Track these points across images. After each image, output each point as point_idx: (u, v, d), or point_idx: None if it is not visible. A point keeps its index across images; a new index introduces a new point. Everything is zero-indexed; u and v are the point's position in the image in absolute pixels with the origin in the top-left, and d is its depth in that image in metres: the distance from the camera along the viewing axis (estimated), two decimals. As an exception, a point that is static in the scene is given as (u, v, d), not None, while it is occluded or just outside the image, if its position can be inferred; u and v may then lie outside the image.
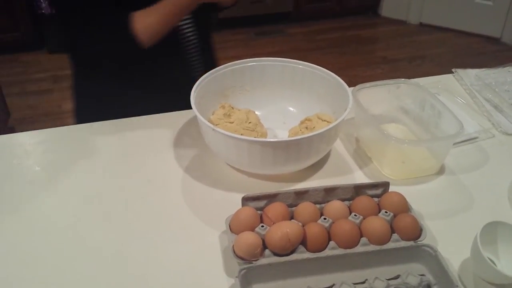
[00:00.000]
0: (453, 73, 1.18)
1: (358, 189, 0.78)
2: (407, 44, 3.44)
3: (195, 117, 0.82)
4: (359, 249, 0.69)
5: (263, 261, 0.67)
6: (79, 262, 0.71)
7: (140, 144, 0.95)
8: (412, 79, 0.96)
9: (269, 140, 0.86)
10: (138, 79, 1.07)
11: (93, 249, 0.74)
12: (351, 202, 0.77)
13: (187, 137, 0.96)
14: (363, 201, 0.75)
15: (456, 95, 1.09)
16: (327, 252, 0.69)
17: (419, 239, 0.70)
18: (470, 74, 1.16)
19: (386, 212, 0.73)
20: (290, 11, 3.60)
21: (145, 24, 0.93)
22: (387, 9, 3.80)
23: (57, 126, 1.00)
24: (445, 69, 1.22)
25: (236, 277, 0.65)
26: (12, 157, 0.92)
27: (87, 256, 0.72)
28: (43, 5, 2.94)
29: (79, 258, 0.72)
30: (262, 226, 0.71)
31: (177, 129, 0.98)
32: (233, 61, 0.97)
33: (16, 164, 0.90)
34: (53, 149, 0.94)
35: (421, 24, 3.70)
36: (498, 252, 0.71)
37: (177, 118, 1.00)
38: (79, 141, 0.96)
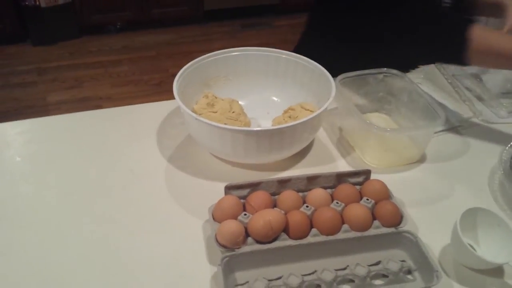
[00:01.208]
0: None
1: (340, 177, 0.79)
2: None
3: (179, 106, 0.82)
4: (340, 235, 0.69)
5: (245, 249, 0.68)
6: (60, 253, 0.71)
7: (123, 134, 0.95)
8: (394, 69, 0.96)
9: (252, 129, 0.86)
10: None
11: (75, 239, 0.73)
12: (333, 190, 0.77)
13: (171, 127, 0.96)
14: (345, 189, 0.76)
15: (438, 85, 1.10)
16: (309, 239, 0.69)
17: (399, 226, 0.71)
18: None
19: (367, 199, 0.74)
20: (277, 3, 3.59)
21: (483, 40, 0.85)
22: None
23: (40, 118, 0.99)
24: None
25: (219, 265, 0.65)
26: (-7, 148, 0.91)
27: (69, 247, 0.72)
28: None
29: (60, 249, 0.72)
30: (245, 215, 0.71)
31: (161, 119, 0.98)
32: (220, 53, 0.97)
33: (-3, 155, 0.89)
34: (34, 139, 0.94)
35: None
36: (477, 238, 0.73)
37: (160, 107, 1.00)
38: (61, 132, 0.96)
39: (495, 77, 1.11)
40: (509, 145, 0.86)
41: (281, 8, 3.62)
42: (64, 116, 1.00)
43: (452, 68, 1.14)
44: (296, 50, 0.97)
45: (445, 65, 1.15)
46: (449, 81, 1.11)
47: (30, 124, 0.98)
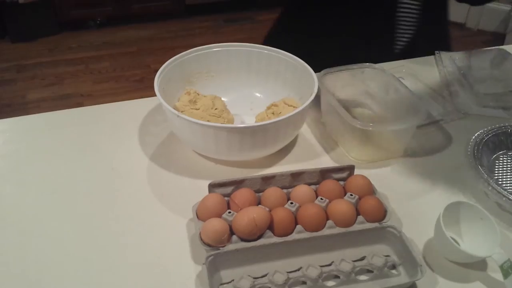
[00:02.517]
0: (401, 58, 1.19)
1: (324, 173, 0.79)
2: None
3: (160, 104, 0.81)
4: (325, 232, 0.69)
5: (230, 247, 0.67)
6: (42, 253, 0.70)
7: (104, 132, 0.93)
8: (376, 64, 0.96)
9: (235, 126, 0.85)
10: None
11: (56, 240, 0.72)
12: (317, 186, 0.77)
13: (152, 125, 0.95)
14: (329, 185, 0.76)
15: (420, 79, 1.10)
16: (294, 236, 0.69)
17: (383, 221, 0.71)
18: (453, 57, 1.17)
19: (351, 195, 0.74)
20: (258, -3, 3.58)
21: None
22: (355, -5, 3.82)
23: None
24: (410, 54, 1.23)
25: (204, 264, 0.64)
26: (-29, 149, 0.89)
27: (50, 247, 0.71)
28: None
29: (42, 249, 0.70)
30: (229, 212, 0.71)
31: (142, 117, 0.96)
32: (201, 49, 0.96)
33: (-25, 155, 0.87)
34: (13, 139, 0.92)
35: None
36: (461, 232, 0.73)
37: (142, 105, 0.99)
38: (41, 131, 0.94)
39: (485, 76, 1.11)
40: (473, 137, 0.87)
41: (263, 2, 3.61)
42: (44, 115, 0.98)
43: (447, 61, 1.14)
44: (264, 43, 0.97)
45: (443, 57, 1.15)
46: (441, 73, 1.11)
47: (8, 124, 0.96)
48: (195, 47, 0.95)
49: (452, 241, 0.68)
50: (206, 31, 3.34)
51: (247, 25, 3.48)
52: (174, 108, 0.80)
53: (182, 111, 0.87)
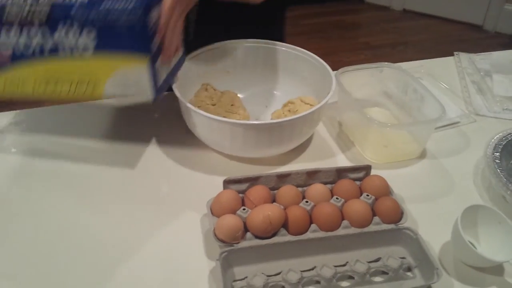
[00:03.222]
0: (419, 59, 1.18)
1: (340, 173, 0.78)
2: (390, 30, 3.45)
3: (177, 99, 0.80)
4: (340, 231, 0.69)
5: (244, 244, 0.67)
6: (56, 245, 0.70)
7: (120, 128, 0.93)
8: (395, 63, 0.95)
9: (252, 122, 0.85)
10: None
11: (68, 233, 0.72)
12: (333, 185, 0.77)
13: (168, 120, 0.95)
14: (345, 184, 0.75)
15: (439, 80, 1.09)
16: (308, 235, 0.68)
17: (400, 222, 0.70)
18: (473, 58, 1.15)
19: (367, 195, 0.73)
20: (274, -5, 3.57)
21: None
22: (371, -5, 3.80)
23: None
24: (428, 56, 1.22)
25: (217, 260, 0.64)
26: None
27: (64, 239, 0.71)
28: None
29: (56, 242, 0.71)
30: (244, 209, 0.70)
31: (159, 112, 0.96)
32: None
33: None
34: (31, 129, 0.92)
35: (404, 11, 3.70)
36: (478, 236, 0.72)
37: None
38: (58, 124, 0.94)
39: (505, 79, 1.09)
40: (492, 140, 0.85)
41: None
42: (62, 107, 0.98)
43: (466, 62, 1.13)
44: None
45: (462, 59, 1.12)
46: (460, 75, 1.09)
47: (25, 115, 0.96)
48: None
49: (470, 245, 0.67)
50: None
51: (262, 23, 3.48)
52: (190, 103, 0.80)
53: (198, 107, 0.86)
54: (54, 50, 0.67)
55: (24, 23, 0.65)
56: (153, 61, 0.68)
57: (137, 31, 0.64)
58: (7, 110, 0.96)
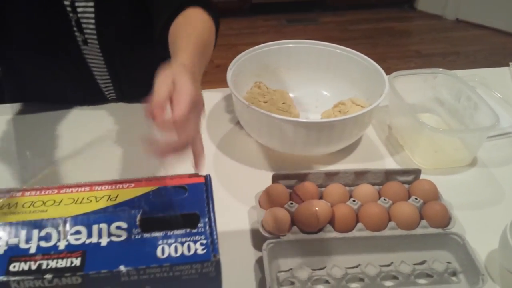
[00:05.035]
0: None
1: (389, 175, 0.79)
2: (442, 40, 3.38)
3: (230, 94, 0.83)
4: (387, 232, 0.69)
5: (290, 237, 0.68)
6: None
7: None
8: (449, 70, 0.95)
9: (302, 120, 0.86)
10: None
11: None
12: (381, 187, 0.77)
13: (218, 115, 0.97)
14: (393, 187, 0.76)
15: (492, 89, 1.08)
16: (354, 233, 0.69)
17: (447, 227, 0.70)
18: None
19: (416, 198, 0.73)
20: (324, -1, 3.57)
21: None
22: (423, 3, 3.73)
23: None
24: (479, 67, 1.20)
25: (264, 250, 0.66)
26: None
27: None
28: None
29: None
30: (291, 204, 0.72)
31: (211, 106, 0.99)
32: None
33: None
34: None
35: (457, 20, 3.62)
36: (526, 246, 0.71)
37: (206, 96, 1.01)
38: (108, 117, 0.98)
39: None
40: None
41: (328, 5, 3.59)
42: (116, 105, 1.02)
43: None
44: None
45: None
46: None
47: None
48: (257, 45, 0.96)
49: (518, 254, 0.66)
50: (269, 30, 3.36)
51: (311, 27, 3.47)
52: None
53: (251, 103, 0.88)
54: None
55: None
56: None
57: None
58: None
